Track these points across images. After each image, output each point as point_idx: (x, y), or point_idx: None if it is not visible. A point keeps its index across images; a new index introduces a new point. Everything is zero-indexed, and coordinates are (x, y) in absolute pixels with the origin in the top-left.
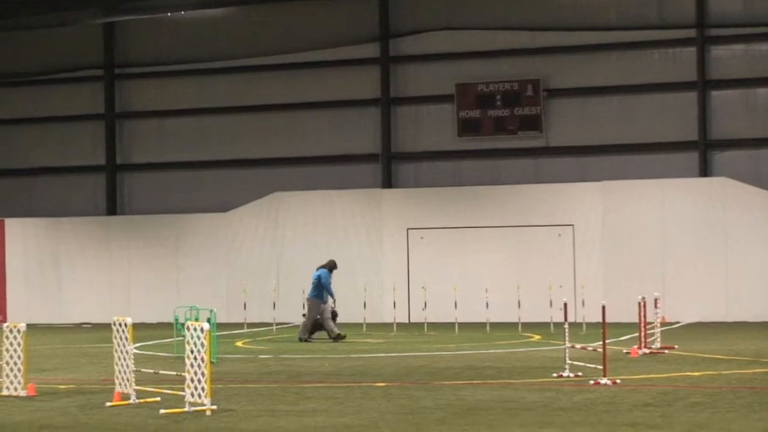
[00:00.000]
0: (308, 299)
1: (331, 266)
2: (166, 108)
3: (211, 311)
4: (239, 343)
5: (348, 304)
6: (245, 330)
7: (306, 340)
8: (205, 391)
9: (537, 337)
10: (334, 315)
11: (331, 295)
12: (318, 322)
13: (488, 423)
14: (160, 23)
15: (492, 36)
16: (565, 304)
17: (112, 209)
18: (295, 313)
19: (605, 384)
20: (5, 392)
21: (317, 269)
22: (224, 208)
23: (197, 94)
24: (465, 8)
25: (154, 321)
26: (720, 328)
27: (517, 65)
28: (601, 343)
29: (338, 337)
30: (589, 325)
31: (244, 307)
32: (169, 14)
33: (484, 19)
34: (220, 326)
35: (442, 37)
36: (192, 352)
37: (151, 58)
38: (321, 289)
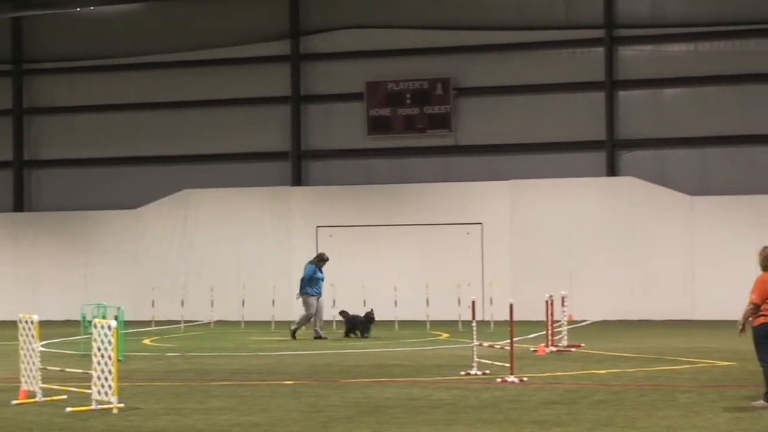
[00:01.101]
0: (301, 294)
1: (317, 260)
2: (75, 104)
3: (118, 309)
4: (147, 341)
5: (257, 302)
6: (153, 328)
7: (320, 338)
8: (112, 389)
9: (445, 335)
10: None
11: (300, 288)
12: (356, 321)
13: (396, 421)
14: (69, 19)
15: (402, 35)
16: (473, 302)
17: (19, 205)
18: (204, 310)
19: (512, 382)
20: None
21: (307, 264)
22: (133, 205)
23: (106, 91)
24: (376, 7)
25: (62, 318)
26: (625, 326)
27: (427, 64)
28: (508, 341)
29: (317, 338)
30: (496, 323)
31: (153, 305)
32: (78, 10)
33: (394, 17)
34: (128, 324)
35: (352, 35)
36: (99, 349)
37: (60, 54)
38: (307, 284)
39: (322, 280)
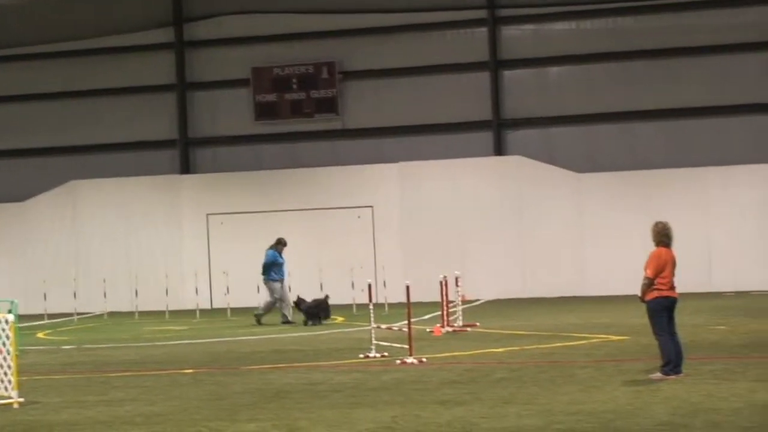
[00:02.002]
0: (264, 282)
1: (276, 244)
2: None
3: (12, 302)
4: (41, 335)
5: (150, 292)
6: (46, 321)
7: (288, 322)
8: (12, 384)
9: (341, 319)
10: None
11: (263, 274)
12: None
13: (299, 406)
14: None
15: (287, 19)
16: (369, 285)
17: None
18: (97, 302)
19: (412, 363)
20: None
21: (267, 250)
22: (19, 197)
23: None
24: None
25: None
26: (519, 304)
27: (312, 48)
28: (405, 323)
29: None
30: (391, 305)
31: (44, 298)
32: None
33: (278, 2)
34: (20, 318)
35: (236, 21)
36: None
37: None
38: (270, 269)
39: (284, 264)
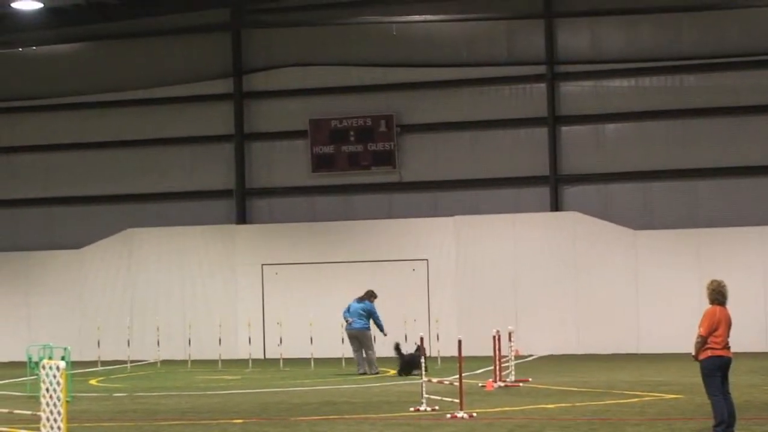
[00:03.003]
0: (358, 330)
1: (372, 296)
2: (16, 144)
3: (65, 349)
4: (93, 382)
5: (203, 341)
6: (99, 368)
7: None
8: (61, 431)
9: (393, 371)
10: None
11: (382, 327)
12: (412, 359)
13: None
14: (10, 58)
15: (345, 72)
16: (422, 339)
17: None
18: (150, 350)
19: (462, 417)
20: None
21: (360, 301)
22: (77, 245)
23: (48, 130)
24: (317, 44)
25: (6, 360)
26: (572, 361)
27: (370, 101)
28: (457, 376)
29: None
30: (444, 359)
31: (98, 345)
32: (20, 50)
33: (336, 54)
34: (74, 364)
35: (294, 72)
36: (47, 391)
37: (1, 94)
38: (369, 320)
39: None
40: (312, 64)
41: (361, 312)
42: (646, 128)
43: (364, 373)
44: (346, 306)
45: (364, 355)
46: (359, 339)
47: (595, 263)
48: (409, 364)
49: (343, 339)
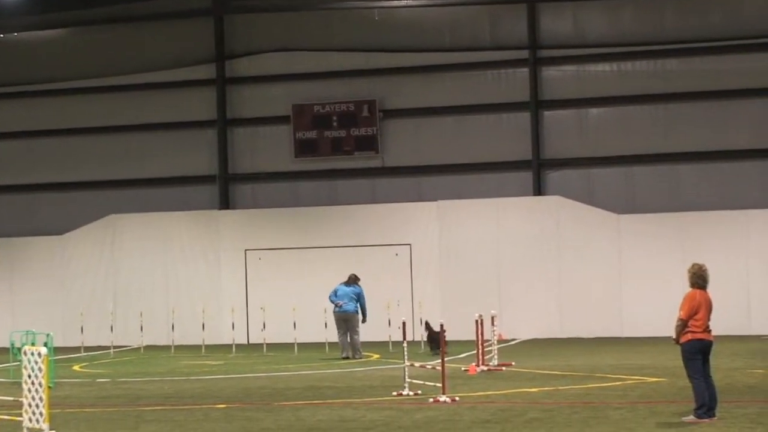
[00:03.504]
0: (350, 313)
1: (357, 280)
2: None
3: (47, 335)
4: (76, 367)
5: (187, 326)
6: (82, 354)
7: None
8: (44, 417)
9: (376, 356)
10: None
11: (365, 312)
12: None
13: None
14: None
15: (328, 57)
16: (404, 323)
17: None
18: (134, 335)
19: (445, 402)
20: None
21: (348, 285)
22: (59, 231)
23: (30, 117)
24: (300, 29)
25: None
26: (555, 345)
27: (352, 86)
28: (439, 361)
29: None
30: (427, 343)
31: (81, 331)
32: (1, 36)
33: (319, 40)
34: (57, 350)
35: (277, 58)
36: (29, 377)
37: None
38: (357, 303)
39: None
40: (295, 50)
41: (352, 295)
42: (628, 112)
43: (347, 358)
44: (332, 290)
45: (349, 339)
46: (349, 322)
47: (578, 247)
48: (436, 341)
49: (326, 323)
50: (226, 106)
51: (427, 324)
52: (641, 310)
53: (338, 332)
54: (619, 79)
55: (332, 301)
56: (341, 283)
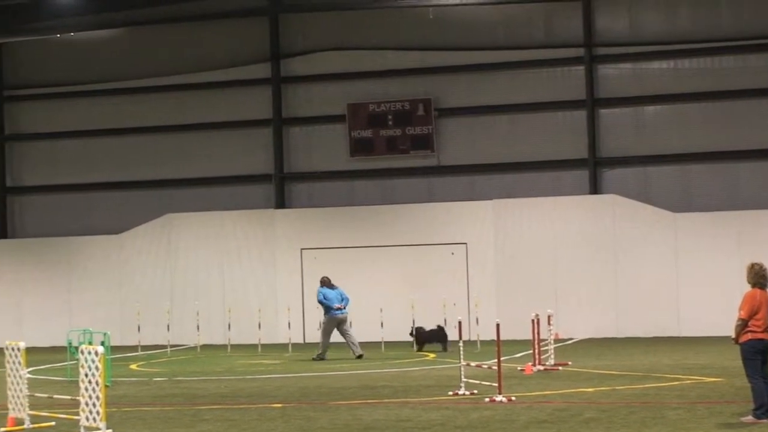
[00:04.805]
0: (346, 314)
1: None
2: (57, 130)
3: (104, 334)
4: (133, 366)
5: (243, 325)
6: (139, 353)
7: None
8: (100, 415)
9: (432, 355)
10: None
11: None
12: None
13: None
14: (49, 45)
15: (383, 56)
16: (460, 323)
17: (2, 232)
18: (190, 335)
19: (500, 401)
20: None
21: (332, 288)
22: (117, 230)
23: (88, 116)
24: (355, 28)
25: (47, 345)
26: (612, 344)
27: (407, 85)
28: (495, 360)
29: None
30: (483, 342)
31: (138, 330)
32: (58, 36)
33: (373, 39)
34: (114, 349)
35: (332, 57)
36: (86, 375)
37: (42, 80)
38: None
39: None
40: (350, 48)
41: (342, 297)
42: (685, 110)
43: (323, 359)
44: (321, 295)
45: (339, 339)
46: (344, 322)
47: (634, 246)
48: (426, 339)
49: (382, 323)
50: (282, 105)
51: (418, 329)
52: (699, 309)
53: (327, 335)
54: (675, 76)
55: (334, 306)
56: (323, 287)
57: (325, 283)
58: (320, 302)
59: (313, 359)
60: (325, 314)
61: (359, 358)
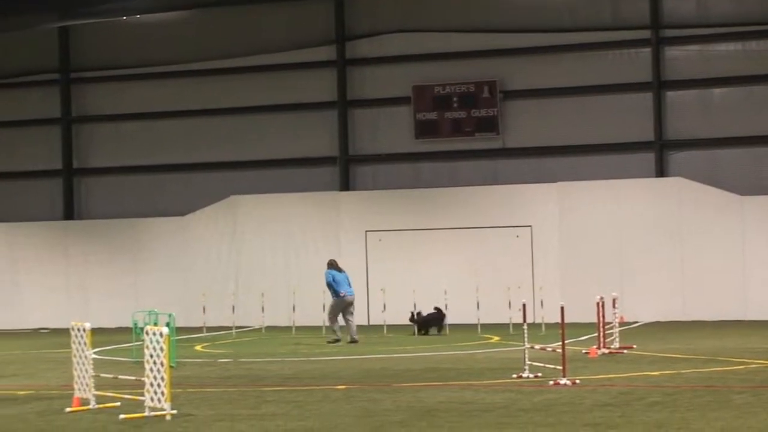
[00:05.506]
0: (353, 297)
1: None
2: (122, 112)
3: (169, 315)
4: (198, 347)
5: (307, 307)
6: (204, 334)
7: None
8: (165, 396)
9: (496, 338)
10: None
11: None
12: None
13: (449, 425)
14: (115, 27)
15: (448, 38)
16: (524, 305)
17: (69, 214)
18: (255, 316)
19: (565, 384)
20: None
21: (340, 271)
22: (182, 211)
23: (154, 98)
24: (420, 10)
25: (113, 326)
26: (677, 327)
27: (473, 67)
28: (560, 343)
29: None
30: (547, 325)
31: (203, 311)
32: (124, 18)
33: (439, 21)
34: (179, 330)
35: (398, 39)
36: (151, 356)
37: (107, 62)
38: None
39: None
40: (415, 30)
41: (348, 280)
42: (753, 92)
43: (338, 341)
44: (330, 277)
45: (344, 323)
46: (351, 305)
47: (701, 229)
48: (426, 323)
49: (446, 305)
50: (347, 87)
51: (418, 314)
52: (765, 293)
53: (335, 317)
54: (743, 58)
55: (342, 290)
56: (332, 269)
57: (333, 265)
58: (328, 284)
59: (329, 343)
60: (333, 297)
61: (353, 342)
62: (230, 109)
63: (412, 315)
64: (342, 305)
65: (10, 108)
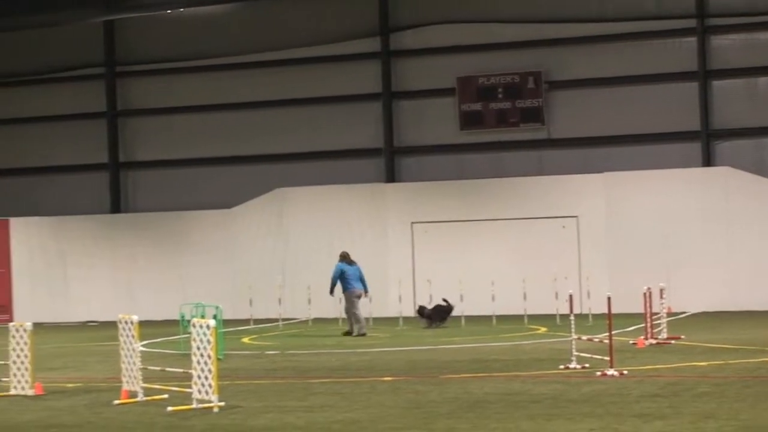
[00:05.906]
0: (361, 291)
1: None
2: (168, 105)
3: (216, 308)
4: (246, 340)
5: None
6: (251, 326)
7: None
8: (212, 388)
9: (543, 329)
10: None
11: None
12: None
13: (496, 416)
14: (160, 20)
15: (492, 29)
16: (571, 296)
17: (116, 207)
18: (301, 308)
19: (612, 375)
20: (13, 392)
21: (351, 264)
22: (228, 204)
23: (199, 91)
24: (464, 1)
25: (160, 318)
26: (725, 318)
27: (517, 57)
28: (607, 334)
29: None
30: (594, 316)
31: (250, 304)
32: (169, 12)
33: (483, 12)
34: (226, 323)
35: (442, 30)
36: (198, 349)
37: (153, 56)
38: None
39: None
40: (459, 22)
41: (361, 276)
42: None
43: (363, 334)
44: (338, 270)
45: (354, 313)
46: (360, 298)
47: (748, 219)
48: (433, 315)
49: (493, 296)
50: (391, 79)
51: (422, 307)
52: None
53: (351, 308)
54: None
55: (356, 286)
56: (342, 263)
57: (345, 258)
58: (335, 278)
59: (355, 336)
60: (343, 291)
61: (347, 334)
62: (275, 101)
63: (420, 308)
64: (353, 296)
65: (56, 102)
